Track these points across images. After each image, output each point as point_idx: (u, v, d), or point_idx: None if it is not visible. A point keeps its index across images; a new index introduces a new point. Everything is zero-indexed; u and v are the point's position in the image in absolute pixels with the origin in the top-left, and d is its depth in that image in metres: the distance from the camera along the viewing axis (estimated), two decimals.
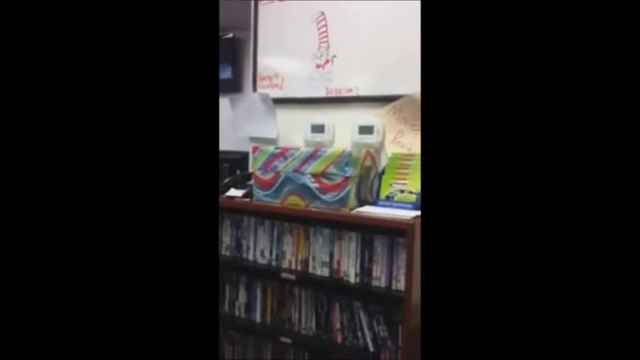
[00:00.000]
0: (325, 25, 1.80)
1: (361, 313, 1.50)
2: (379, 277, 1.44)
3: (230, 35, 3.46)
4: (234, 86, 3.46)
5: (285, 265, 1.62)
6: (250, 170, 1.89)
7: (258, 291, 1.70)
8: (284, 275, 1.60)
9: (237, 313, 1.74)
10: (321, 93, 1.83)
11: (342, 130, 1.79)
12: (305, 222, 1.58)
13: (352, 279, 1.49)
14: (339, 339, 1.54)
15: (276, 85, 1.93)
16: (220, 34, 3.50)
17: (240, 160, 2.73)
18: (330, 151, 1.52)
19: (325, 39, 1.81)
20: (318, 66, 1.83)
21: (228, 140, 2.87)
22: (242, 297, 1.74)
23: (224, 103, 3.52)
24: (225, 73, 3.56)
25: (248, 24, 2.12)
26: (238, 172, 2.63)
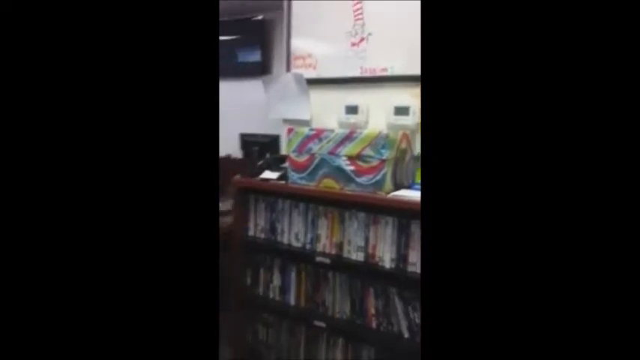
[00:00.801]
0: (360, 2, 1.70)
1: (396, 299, 1.44)
2: (415, 262, 1.38)
3: (260, 17, 3.40)
4: (263, 69, 3.41)
5: (319, 248, 1.57)
6: (284, 152, 1.84)
7: (293, 274, 1.66)
8: (318, 259, 1.55)
9: (271, 295, 1.71)
10: (355, 72, 1.74)
11: (377, 111, 1.70)
12: (340, 205, 1.52)
13: (387, 264, 1.43)
14: (374, 324, 1.49)
15: (310, 65, 1.85)
16: (249, 15, 3.43)
17: (269, 143, 2.69)
18: (365, 132, 1.45)
19: (360, 16, 1.71)
20: (352, 44, 1.74)
21: (258, 123, 2.83)
22: (276, 280, 1.70)
23: (253, 86, 3.48)
24: (254, 56, 3.51)
25: (279, 4, 2.03)
26: (268, 155, 2.59)
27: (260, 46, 3.43)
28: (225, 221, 2.09)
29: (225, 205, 2.31)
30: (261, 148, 2.68)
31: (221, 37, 3.68)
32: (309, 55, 1.86)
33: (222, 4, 3.44)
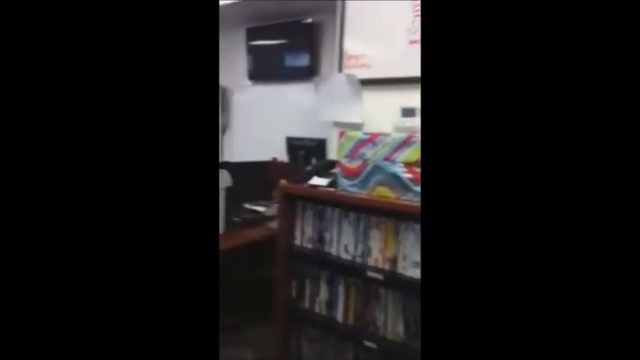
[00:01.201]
0: None
1: None
2: None
3: (309, 20, 3.30)
4: (311, 72, 3.30)
5: (370, 262, 1.41)
6: (333, 157, 1.70)
7: (341, 288, 1.50)
8: (370, 274, 1.39)
9: (317, 309, 1.57)
10: (414, 72, 1.57)
11: None
12: (395, 216, 1.35)
13: None
14: None
15: (364, 65, 1.70)
16: (298, 18, 3.34)
17: (316, 147, 2.57)
18: None
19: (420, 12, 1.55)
20: (411, 42, 1.57)
21: (305, 127, 2.73)
22: (323, 293, 1.56)
23: (300, 89, 3.38)
24: (302, 60, 3.41)
25: (331, 4, 1.91)
26: (314, 160, 2.47)
27: (308, 49, 3.32)
28: (271, 227, 1.98)
29: (270, 210, 2.21)
30: (307, 152, 2.57)
31: (268, 42, 3.62)
32: (364, 55, 1.71)
33: (269, 8, 3.37)
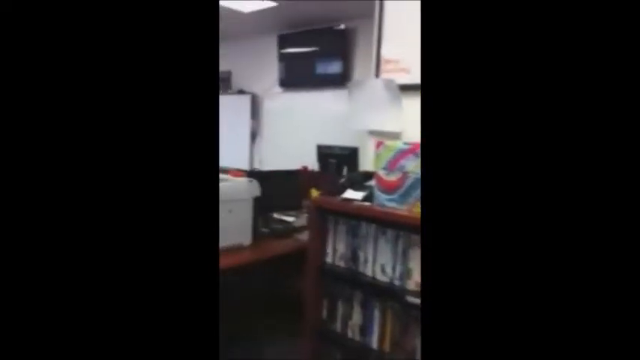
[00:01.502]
0: None
1: None
2: None
3: (341, 26, 3.18)
4: (343, 79, 3.18)
5: (410, 286, 1.26)
6: (366, 167, 1.56)
7: (376, 312, 1.36)
8: (409, 299, 1.24)
9: (350, 334, 1.43)
10: None
11: None
12: None
13: None
14: None
15: (403, 70, 1.55)
16: (330, 25, 3.23)
17: (347, 156, 2.43)
18: None
19: None
20: None
21: (336, 135, 2.60)
22: (356, 317, 1.41)
23: (332, 96, 3.26)
24: (334, 67, 3.30)
25: (368, 8, 1.78)
26: (346, 169, 2.33)
27: (341, 56, 3.21)
28: (300, 238, 1.86)
29: (299, 221, 2.09)
30: (338, 160, 2.44)
31: (300, 49, 3.53)
32: (402, 59, 1.56)
33: (301, 15, 3.27)
